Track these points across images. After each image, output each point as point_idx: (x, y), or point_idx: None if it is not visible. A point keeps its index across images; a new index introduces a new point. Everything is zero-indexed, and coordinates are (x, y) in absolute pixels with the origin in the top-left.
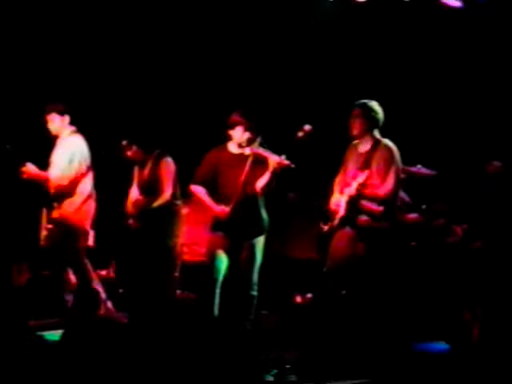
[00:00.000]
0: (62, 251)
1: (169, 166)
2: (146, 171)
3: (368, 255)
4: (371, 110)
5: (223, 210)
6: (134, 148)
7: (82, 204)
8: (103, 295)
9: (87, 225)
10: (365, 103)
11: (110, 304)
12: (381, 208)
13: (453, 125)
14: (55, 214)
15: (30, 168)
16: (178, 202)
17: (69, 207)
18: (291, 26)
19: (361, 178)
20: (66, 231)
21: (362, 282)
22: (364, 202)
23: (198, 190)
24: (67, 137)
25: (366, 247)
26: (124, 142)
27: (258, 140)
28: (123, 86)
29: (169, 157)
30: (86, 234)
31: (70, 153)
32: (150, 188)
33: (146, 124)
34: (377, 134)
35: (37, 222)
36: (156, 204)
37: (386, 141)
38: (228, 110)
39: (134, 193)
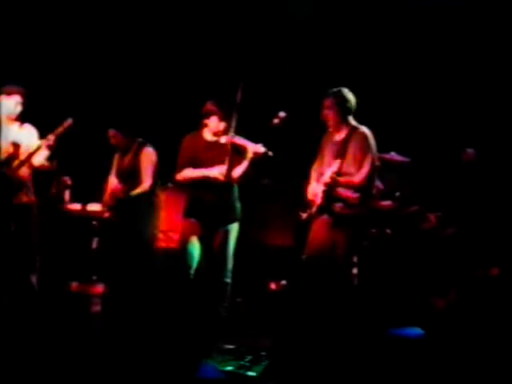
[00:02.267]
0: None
1: (150, 155)
2: (127, 159)
3: (346, 242)
4: (343, 98)
5: (221, 169)
6: (117, 134)
7: None
8: None
9: None
10: (335, 93)
11: None
12: (356, 195)
13: (427, 112)
14: None
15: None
16: (158, 193)
17: None
18: (267, 14)
19: (334, 167)
20: None
21: (338, 268)
22: (340, 190)
23: (186, 173)
24: None
25: (343, 234)
26: (110, 130)
27: (234, 121)
28: (109, 75)
29: (151, 146)
30: None
31: None
32: (130, 176)
33: (129, 111)
34: (352, 120)
35: None
36: (134, 193)
37: (363, 128)
38: (204, 99)
39: (113, 181)
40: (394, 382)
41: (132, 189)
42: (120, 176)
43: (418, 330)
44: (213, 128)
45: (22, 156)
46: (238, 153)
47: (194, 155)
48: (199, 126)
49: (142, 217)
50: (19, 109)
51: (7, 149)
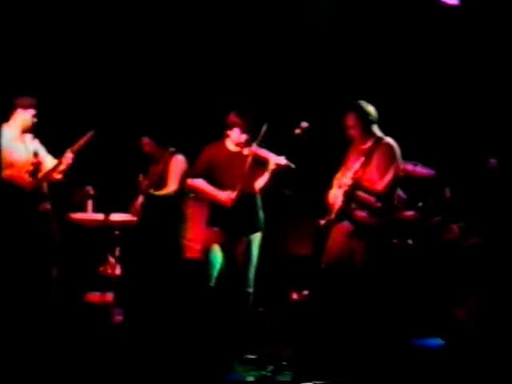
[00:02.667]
0: None
1: (179, 162)
2: (159, 168)
3: (364, 251)
4: (363, 112)
5: (229, 195)
6: (151, 142)
7: None
8: None
9: None
10: (354, 110)
11: None
12: (379, 204)
13: (451, 122)
14: None
15: None
16: (186, 200)
17: None
18: (288, 23)
19: (357, 166)
20: None
21: (358, 278)
22: (360, 194)
23: (198, 182)
24: None
25: (363, 243)
26: (144, 139)
27: (264, 128)
28: (143, 85)
29: (182, 155)
30: None
31: None
32: (160, 183)
33: (163, 121)
34: (377, 131)
35: None
36: (158, 193)
37: (388, 139)
38: (227, 109)
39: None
40: None
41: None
42: (152, 183)
43: (439, 341)
44: (235, 139)
45: (44, 169)
46: (260, 164)
47: (214, 164)
48: (223, 135)
49: (169, 225)
50: (35, 120)
51: (31, 159)
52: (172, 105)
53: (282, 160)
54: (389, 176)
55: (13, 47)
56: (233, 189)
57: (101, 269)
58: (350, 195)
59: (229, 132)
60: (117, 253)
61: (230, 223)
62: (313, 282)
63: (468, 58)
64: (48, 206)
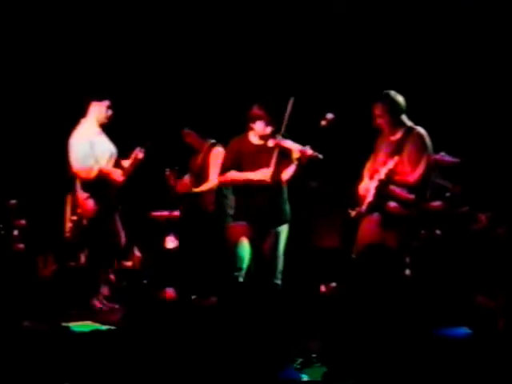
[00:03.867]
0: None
1: (219, 154)
2: (199, 159)
3: (396, 241)
4: (392, 102)
5: (263, 173)
6: (191, 133)
7: None
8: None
9: None
10: (382, 99)
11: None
12: (412, 196)
13: (478, 111)
14: None
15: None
16: (227, 194)
17: None
18: (312, 13)
19: (391, 164)
20: None
21: (387, 268)
22: (393, 188)
23: (229, 175)
24: None
25: (394, 234)
26: (184, 129)
27: (291, 101)
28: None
29: (221, 147)
30: None
31: None
32: (200, 176)
33: (205, 112)
34: (407, 120)
35: (62, 214)
36: (199, 189)
37: (419, 128)
38: (250, 102)
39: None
40: (442, 382)
41: (199, 186)
42: (193, 175)
43: (465, 330)
44: (259, 132)
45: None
46: (285, 156)
47: (240, 158)
48: (246, 129)
49: (210, 216)
50: (110, 112)
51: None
52: (202, 98)
53: (308, 150)
54: (421, 167)
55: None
56: (259, 182)
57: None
58: (382, 191)
59: (252, 125)
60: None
61: (256, 217)
62: (341, 274)
63: (493, 48)
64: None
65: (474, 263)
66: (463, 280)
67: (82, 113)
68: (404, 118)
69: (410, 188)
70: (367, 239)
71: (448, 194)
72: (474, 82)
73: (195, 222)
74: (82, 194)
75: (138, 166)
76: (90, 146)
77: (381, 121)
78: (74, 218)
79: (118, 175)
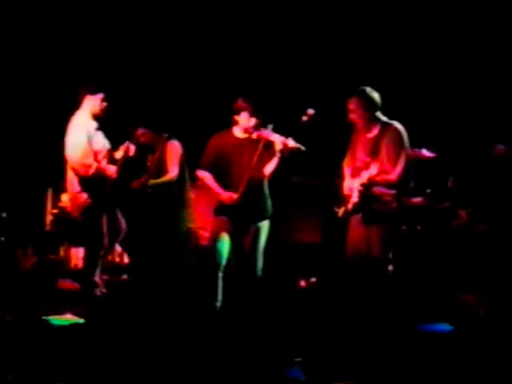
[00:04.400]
0: None
1: (174, 147)
2: (156, 156)
3: (378, 238)
4: (366, 97)
5: (231, 196)
6: (146, 132)
7: None
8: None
9: None
10: (357, 94)
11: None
12: (392, 191)
13: (458, 107)
14: None
15: None
16: (187, 185)
17: None
18: (293, 12)
19: (373, 171)
20: None
21: (374, 265)
22: (376, 189)
23: (205, 175)
24: None
25: (377, 230)
26: (139, 130)
27: (270, 127)
28: (133, 72)
29: (176, 140)
30: None
31: None
32: (159, 171)
33: (156, 107)
34: (381, 116)
35: (42, 206)
36: (156, 181)
37: (395, 123)
38: (233, 95)
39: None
40: (424, 377)
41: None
42: (151, 173)
43: (447, 326)
44: (243, 124)
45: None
46: (268, 149)
47: (222, 153)
48: (230, 124)
49: (172, 210)
50: (104, 105)
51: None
52: (173, 93)
53: (291, 141)
54: (400, 163)
55: None
56: (241, 178)
57: (109, 257)
58: (366, 193)
59: (237, 117)
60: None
61: (237, 211)
62: (323, 270)
63: (474, 44)
64: None
65: (454, 259)
66: (444, 276)
67: (68, 105)
68: (379, 114)
69: (392, 185)
70: (354, 239)
71: (428, 191)
72: (454, 78)
73: (155, 215)
74: (73, 187)
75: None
76: (89, 143)
77: (354, 116)
78: (55, 210)
79: (111, 170)
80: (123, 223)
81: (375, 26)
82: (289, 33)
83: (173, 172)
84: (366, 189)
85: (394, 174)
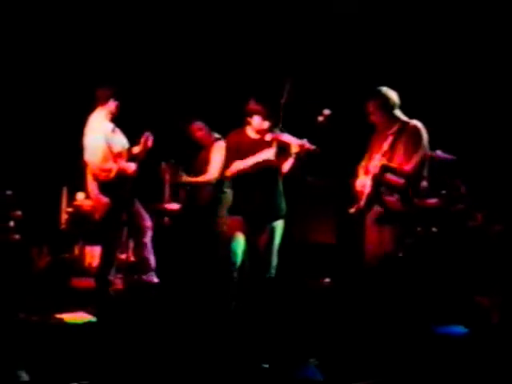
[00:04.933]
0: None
1: (221, 149)
2: (203, 154)
3: (393, 238)
4: (384, 98)
5: (267, 153)
6: (203, 127)
7: None
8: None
9: None
10: (374, 95)
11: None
12: (402, 181)
13: (475, 109)
14: None
15: None
16: (226, 190)
17: None
18: (313, 11)
19: (385, 147)
20: None
21: (386, 265)
22: (389, 176)
23: (236, 165)
24: None
25: (389, 229)
26: (196, 123)
27: (278, 128)
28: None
29: (224, 142)
30: None
31: None
32: (201, 170)
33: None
34: (401, 115)
35: (57, 205)
36: (192, 179)
37: (415, 121)
38: (249, 95)
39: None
40: (438, 379)
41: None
42: (195, 170)
43: (462, 328)
44: (256, 126)
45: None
46: (283, 150)
47: (239, 152)
48: (243, 122)
49: (210, 212)
50: (118, 104)
51: (126, 148)
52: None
53: (306, 143)
54: (416, 157)
55: None
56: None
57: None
58: (378, 179)
59: (249, 119)
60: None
61: (251, 211)
62: (338, 271)
63: (491, 44)
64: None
65: (470, 261)
66: (459, 278)
67: (84, 104)
68: (398, 112)
69: (406, 178)
70: (370, 239)
71: (444, 192)
72: (472, 81)
73: (191, 215)
74: (94, 190)
75: (147, 152)
76: (107, 146)
77: (374, 117)
78: (70, 209)
79: (132, 168)
80: (148, 220)
81: (391, 25)
82: (305, 34)
83: (211, 174)
84: (380, 174)
85: (409, 166)
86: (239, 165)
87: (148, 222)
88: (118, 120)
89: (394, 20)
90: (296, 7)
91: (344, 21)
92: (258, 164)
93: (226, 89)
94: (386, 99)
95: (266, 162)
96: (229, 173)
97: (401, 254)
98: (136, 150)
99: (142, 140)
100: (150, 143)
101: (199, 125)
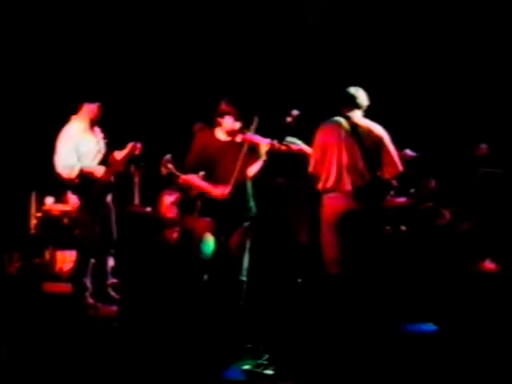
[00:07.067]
0: None
1: None
2: None
3: (362, 236)
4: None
5: (222, 191)
6: (203, 127)
7: None
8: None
9: None
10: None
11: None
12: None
13: (441, 107)
14: None
15: None
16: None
17: None
18: (277, 12)
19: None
20: None
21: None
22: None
23: (191, 177)
24: None
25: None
26: (197, 124)
27: (255, 121)
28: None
29: None
30: None
31: None
32: None
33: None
34: (356, 115)
35: (26, 210)
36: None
37: (366, 121)
38: (217, 98)
39: None
40: (407, 378)
41: None
42: None
43: (431, 326)
44: (227, 127)
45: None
46: (252, 151)
47: (207, 154)
48: (213, 124)
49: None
50: (100, 111)
51: (102, 151)
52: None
53: (275, 143)
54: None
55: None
56: (227, 179)
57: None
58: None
59: (220, 120)
60: None
61: (222, 213)
62: (310, 271)
63: (456, 47)
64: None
65: (438, 258)
66: (428, 275)
67: (55, 111)
68: (357, 112)
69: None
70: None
71: (412, 190)
72: (435, 77)
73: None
74: (70, 193)
75: (130, 159)
76: (75, 147)
77: None
78: (39, 214)
79: (100, 172)
80: (115, 234)
81: (359, 25)
82: (274, 34)
83: None
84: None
85: (400, 166)
86: (195, 181)
87: (114, 235)
88: (107, 124)
89: (359, 21)
90: (265, 8)
91: (312, 21)
92: (206, 192)
93: (196, 90)
94: (353, 98)
95: (213, 196)
96: (183, 180)
97: (370, 253)
98: (118, 155)
99: (129, 146)
100: (137, 151)
101: (200, 125)
